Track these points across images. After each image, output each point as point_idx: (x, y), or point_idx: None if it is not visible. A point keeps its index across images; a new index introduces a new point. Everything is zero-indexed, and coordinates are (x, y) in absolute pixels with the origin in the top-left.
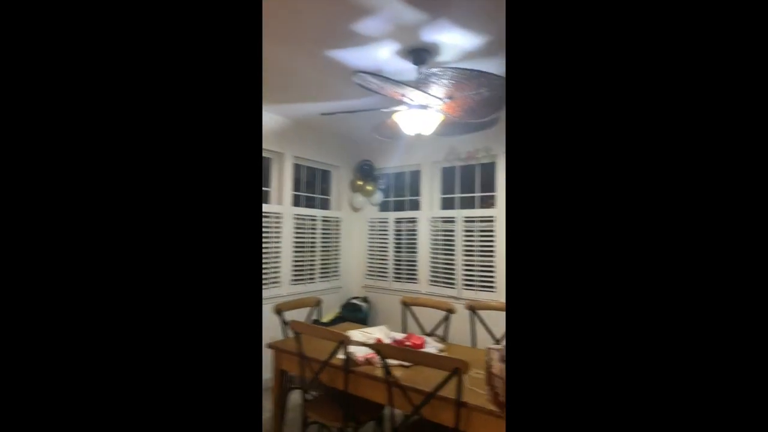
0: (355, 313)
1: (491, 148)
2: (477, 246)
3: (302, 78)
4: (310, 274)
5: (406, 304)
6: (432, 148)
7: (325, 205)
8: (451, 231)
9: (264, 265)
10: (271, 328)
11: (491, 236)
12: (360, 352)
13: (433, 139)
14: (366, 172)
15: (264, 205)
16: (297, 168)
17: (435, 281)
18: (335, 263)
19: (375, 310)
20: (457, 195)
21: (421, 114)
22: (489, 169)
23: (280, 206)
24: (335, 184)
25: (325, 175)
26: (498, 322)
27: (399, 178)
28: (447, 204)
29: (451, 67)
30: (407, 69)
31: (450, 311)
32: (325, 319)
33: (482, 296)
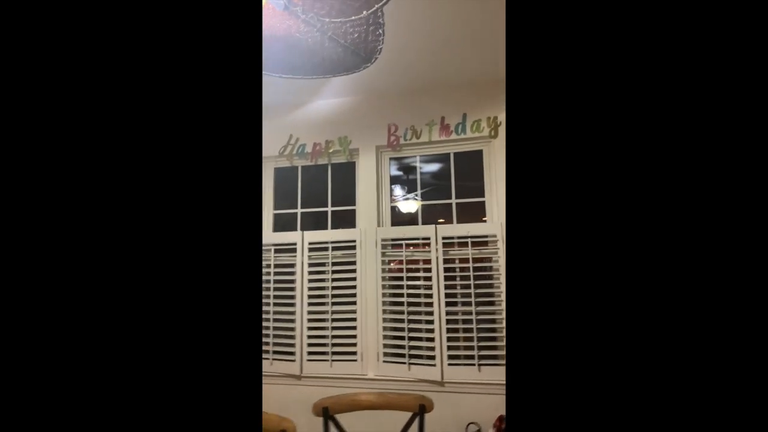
0: None
1: (349, 138)
2: (330, 287)
3: None
4: None
5: None
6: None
7: None
8: (291, 266)
9: None
10: None
11: (352, 271)
12: None
13: (265, 117)
14: None
15: None
16: None
17: (264, 351)
18: None
19: None
20: (300, 210)
21: None
22: (346, 172)
23: None
24: None
25: None
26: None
27: None
28: (284, 223)
29: None
30: None
31: None
32: None
33: (340, 369)
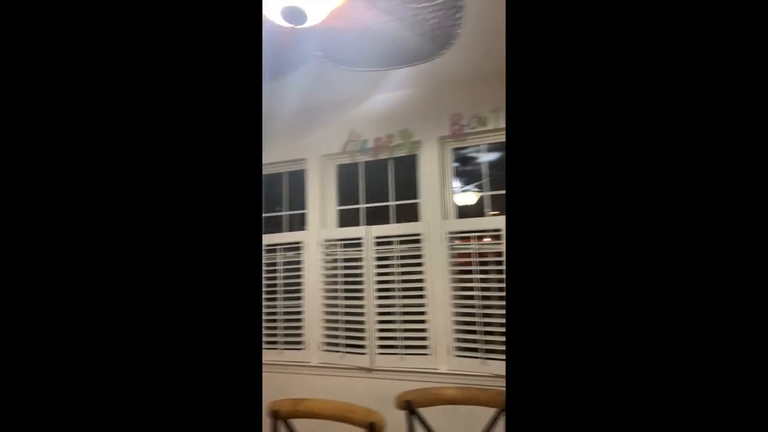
0: None
1: (411, 132)
2: (399, 281)
3: None
4: None
5: (279, 417)
6: (322, 133)
7: None
8: (358, 260)
9: None
10: None
11: (419, 264)
12: None
13: (325, 115)
14: None
15: None
16: None
17: (334, 344)
18: None
19: None
20: (363, 205)
21: None
22: (407, 165)
23: None
24: None
25: None
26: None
27: (272, 182)
28: (348, 219)
29: None
30: None
31: (373, 427)
32: None
33: (411, 362)
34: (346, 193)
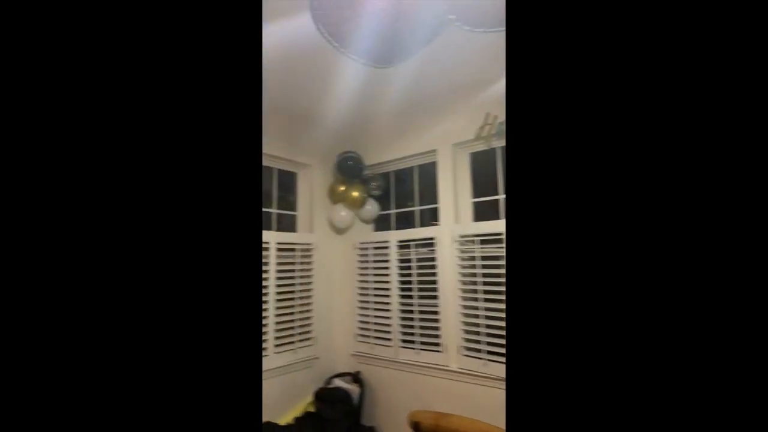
0: (340, 406)
1: None
2: None
3: None
4: (263, 338)
5: (420, 429)
6: (453, 119)
7: (286, 224)
8: (497, 257)
9: None
10: None
11: None
12: None
13: (455, 99)
14: (350, 171)
15: None
16: None
17: (474, 348)
18: (306, 318)
19: (373, 396)
20: (502, 196)
21: None
22: None
23: None
24: (303, 193)
25: (286, 179)
26: None
27: (403, 176)
28: (484, 212)
29: None
30: None
31: None
32: (286, 419)
33: None
34: (482, 183)
